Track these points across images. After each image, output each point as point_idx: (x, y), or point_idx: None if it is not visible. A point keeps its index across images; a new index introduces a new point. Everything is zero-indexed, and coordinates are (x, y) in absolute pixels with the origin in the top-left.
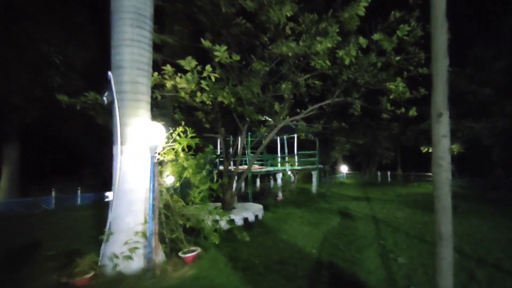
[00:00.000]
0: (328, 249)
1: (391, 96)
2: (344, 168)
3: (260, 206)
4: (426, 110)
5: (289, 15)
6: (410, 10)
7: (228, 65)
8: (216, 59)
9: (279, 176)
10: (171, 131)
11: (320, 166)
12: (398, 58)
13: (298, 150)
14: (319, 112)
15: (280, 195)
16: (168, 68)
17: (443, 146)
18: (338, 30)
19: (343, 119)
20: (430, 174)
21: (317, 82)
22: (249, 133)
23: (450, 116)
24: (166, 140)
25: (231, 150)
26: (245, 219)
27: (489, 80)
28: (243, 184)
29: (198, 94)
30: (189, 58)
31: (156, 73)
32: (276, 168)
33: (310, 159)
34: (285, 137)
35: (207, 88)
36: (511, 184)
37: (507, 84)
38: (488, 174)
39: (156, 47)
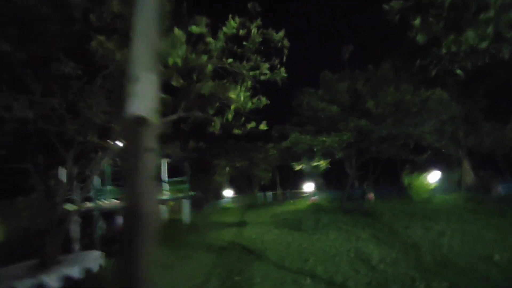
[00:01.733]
0: None
1: (233, 107)
2: (227, 193)
3: (97, 255)
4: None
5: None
6: (251, 18)
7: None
8: None
9: None
10: None
11: (192, 193)
12: (230, 60)
13: (170, 177)
14: (174, 132)
15: None
16: None
17: (144, 144)
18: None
19: (212, 140)
20: (303, 190)
21: (164, 95)
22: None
23: (307, 132)
24: None
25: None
26: (67, 278)
27: (335, 99)
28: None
29: None
30: None
31: None
32: None
33: (181, 186)
34: None
35: None
36: (362, 194)
37: (349, 103)
38: (345, 186)
39: None
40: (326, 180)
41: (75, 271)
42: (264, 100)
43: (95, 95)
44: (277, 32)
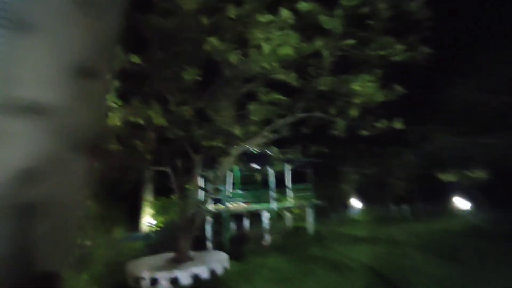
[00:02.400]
0: None
1: (357, 101)
2: (356, 202)
3: (224, 257)
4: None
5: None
6: None
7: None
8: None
9: (266, 215)
10: None
11: (316, 202)
12: (351, 41)
13: (294, 183)
14: (294, 136)
15: (267, 238)
16: None
17: None
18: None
19: (338, 143)
20: (452, 206)
21: (282, 97)
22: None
23: (459, 133)
24: None
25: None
26: (195, 277)
27: (501, 88)
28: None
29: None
30: None
31: None
32: (260, 206)
33: (305, 193)
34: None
35: (112, 105)
36: None
37: None
38: None
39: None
40: (486, 195)
41: (202, 271)
42: (398, 89)
43: (220, 101)
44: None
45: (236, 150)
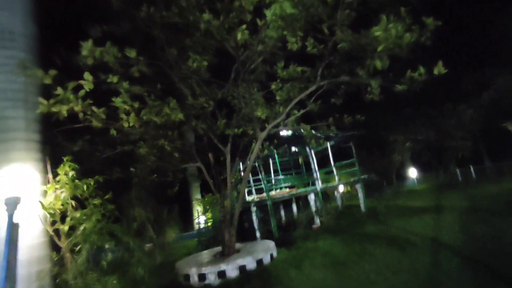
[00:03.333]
0: None
1: (379, 49)
2: (412, 172)
3: (270, 245)
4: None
5: None
6: None
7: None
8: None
9: (313, 197)
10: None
11: (364, 176)
12: None
13: (339, 160)
14: (327, 108)
15: (316, 221)
16: (59, 91)
17: None
18: None
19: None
20: None
21: (300, 68)
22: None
23: None
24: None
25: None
26: (242, 268)
27: None
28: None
29: (123, 117)
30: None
31: (46, 101)
32: (305, 189)
33: (351, 169)
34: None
35: (125, 107)
36: None
37: None
38: None
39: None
40: None
41: (249, 261)
42: (430, 21)
43: (240, 87)
44: None
45: (263, 134)
